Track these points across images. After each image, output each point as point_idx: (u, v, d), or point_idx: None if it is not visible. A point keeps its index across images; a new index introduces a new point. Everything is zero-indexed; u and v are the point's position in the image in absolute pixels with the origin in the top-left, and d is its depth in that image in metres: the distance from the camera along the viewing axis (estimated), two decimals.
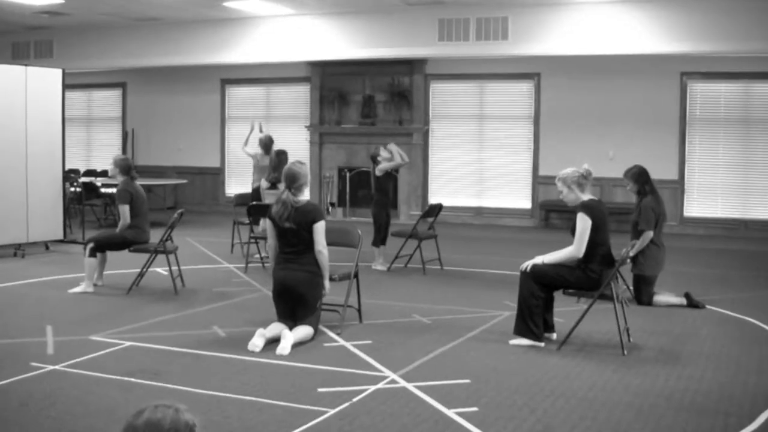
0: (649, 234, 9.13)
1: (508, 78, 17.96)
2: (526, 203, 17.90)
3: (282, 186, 10.77)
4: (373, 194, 11.79)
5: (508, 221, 17.87)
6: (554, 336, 7.47)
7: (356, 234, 8.25)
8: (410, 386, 5.98)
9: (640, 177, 9.43)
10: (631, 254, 8.84)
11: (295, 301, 7.28)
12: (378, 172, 11.69)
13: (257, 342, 6.92)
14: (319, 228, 7.31)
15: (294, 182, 7.36)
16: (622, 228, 13.37)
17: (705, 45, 14.55)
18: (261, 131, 14.50)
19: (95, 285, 9.63)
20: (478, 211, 18.23)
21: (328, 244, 7.54)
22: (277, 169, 11.65)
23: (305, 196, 7.50)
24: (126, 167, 9.77)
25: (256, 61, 17.99)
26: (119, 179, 9.78)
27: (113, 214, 16.62)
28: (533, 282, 7.27)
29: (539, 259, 7.34)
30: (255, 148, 13.88)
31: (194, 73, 20.02)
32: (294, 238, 7.29)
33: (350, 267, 8.12)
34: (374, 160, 11.72)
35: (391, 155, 11.69)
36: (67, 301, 9.00)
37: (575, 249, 7.17)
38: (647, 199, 9.29)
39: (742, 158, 16.43)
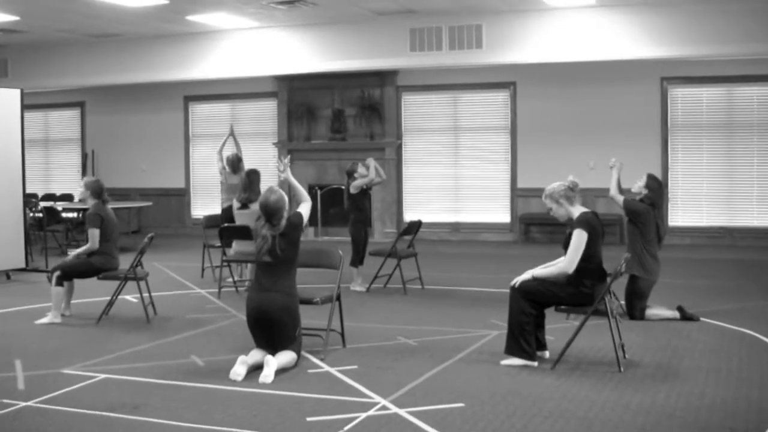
0: (620, 197, 9.35)
1: (483, 88, 18.04)
2: (505, 217, 17.94)
3: (254, 206, 10.86)
4: (350, 212, 11.78)
5: (487, 236, 17.90)
6: (547, 354, 7.47)
7: (337, 255, 8.21)
8: (402, 412, 5.95)
9: (656, 187, 9.47)
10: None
11: (273, 328, 7.20)
12: (352, 189, 11.68)
13: (239, 370, 6.86)
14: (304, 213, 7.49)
15: (273, 216, 7.31)
16: (607, 240, 13.43)
17: (685, 48, 14.64)
18: (233, 134, 14.44)
19: (63, 315, 9.52)
20: (456, 227, 18.26)
21: (309, 266, 7.62)
22: (248, 189, 11.58)
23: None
24: (97, 190, 9.68)
25: (220, 77, 17.91)
26: (90, 203, 9.69)
27: (76, 240, 16.48)
28: (523, 299, 7.26)
29: (529, 274, 7.34)
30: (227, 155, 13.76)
31: (156, 91, 19.93)
32: (272, 267, 7.25)
33: (332, 289, 8.08)
34: (350, 175, 11.71)
35: (368, 172, 11.71)
36: (34, 333, 8.88)
37: (567, 264, 7.17)
38: (648, 212, 9.35)
39: (727, 164, 16.59)
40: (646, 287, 9.24)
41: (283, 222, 7.31)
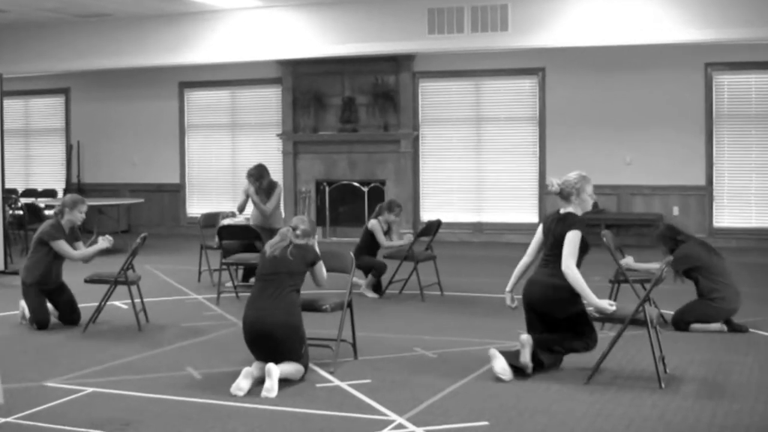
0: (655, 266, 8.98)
1: (508, 74, 18.02)
2: (532, 217, 17.86)
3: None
4: (361, 252, 11.44)
5: (513, 238, 17.82)
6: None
7: (349, 257, 8.23)
8: (420, 431, 5.95)
9: (666, 237, 9.41)
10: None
11: (274, 348, 7.16)
12: (370, 226, 11.60)
13: (242, 384, 6.85)
14: (319, 267, 7.67)
15: (299, 225, 7.57)
16: (642, 243, 13.46)
17: (732, 31, 14.59)
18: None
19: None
20: (478, 228, 18.23)
21: None
22: (261, 177, 11.99)
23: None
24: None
25: (219, 61, 17.92)
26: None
27: None
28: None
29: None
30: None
31: (149, 76, 19.94)
32: (274, 279, 7.29)
33: (342, 295, 8.08)
34: (380, 212, 11.65)
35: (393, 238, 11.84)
36: (14, 342, 8.92)
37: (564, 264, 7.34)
38: (685, 245, 9.25)
39: None
40: (716, 314, 9.06)
41: (305, 241, 7.53)
